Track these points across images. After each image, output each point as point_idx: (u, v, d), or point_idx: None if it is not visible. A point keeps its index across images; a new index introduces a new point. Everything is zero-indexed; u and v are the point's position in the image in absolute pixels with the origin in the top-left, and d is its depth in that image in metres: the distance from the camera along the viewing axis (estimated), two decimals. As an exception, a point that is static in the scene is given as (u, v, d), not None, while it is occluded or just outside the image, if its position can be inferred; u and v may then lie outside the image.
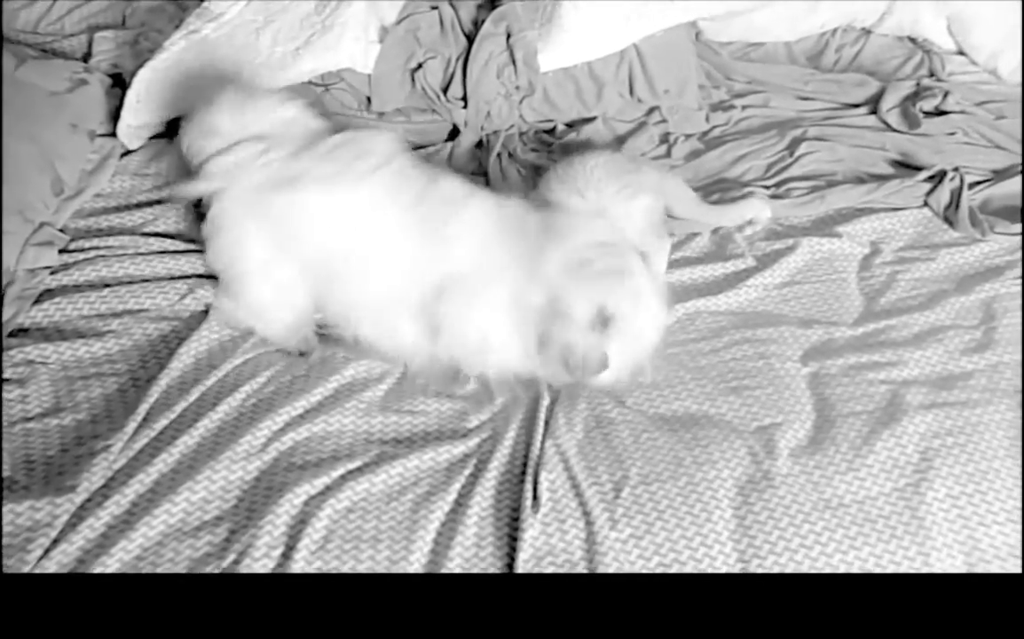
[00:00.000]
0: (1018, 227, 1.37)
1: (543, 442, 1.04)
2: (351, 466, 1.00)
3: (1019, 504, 0.97)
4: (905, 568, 0.94)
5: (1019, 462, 1.01)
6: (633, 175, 1.32)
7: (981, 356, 1.16)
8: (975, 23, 1.87)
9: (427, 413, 1.10)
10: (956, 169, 1.47)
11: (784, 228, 1.42)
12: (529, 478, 0.99)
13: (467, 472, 1.01)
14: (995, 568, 0.94)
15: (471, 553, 0.94)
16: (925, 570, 0.94)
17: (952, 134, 1.58)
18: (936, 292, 1.28)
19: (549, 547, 0.95)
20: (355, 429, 1.06)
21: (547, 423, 1.06)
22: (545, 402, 1.09)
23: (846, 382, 1.13)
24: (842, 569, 0.94)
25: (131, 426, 1.01)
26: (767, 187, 1.49)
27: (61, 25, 1.76)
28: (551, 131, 1.62)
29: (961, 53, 1.90)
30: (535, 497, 0.97)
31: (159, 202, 1.40)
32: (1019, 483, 0.99)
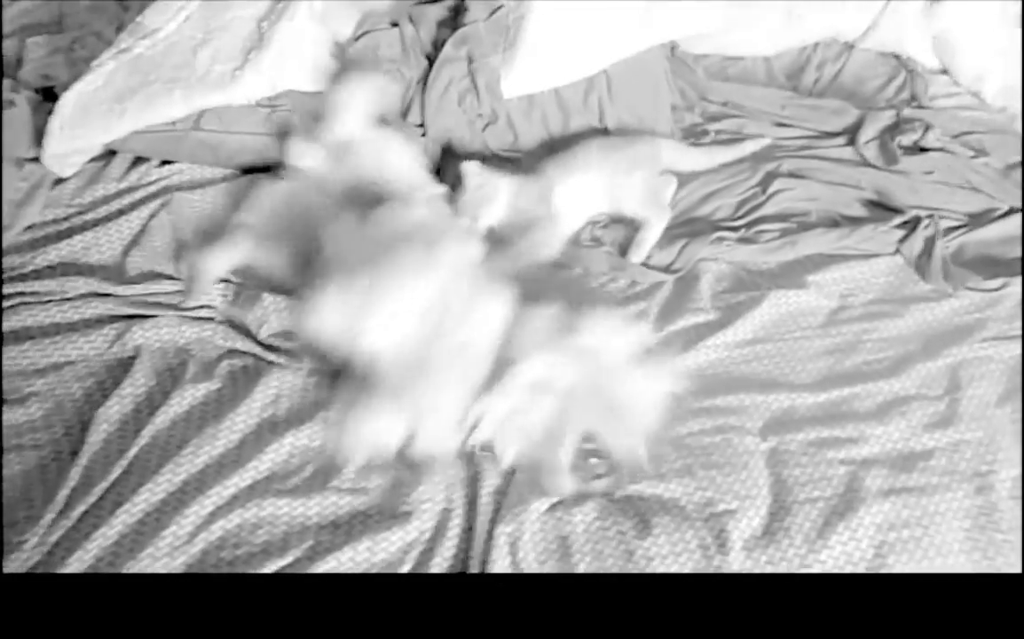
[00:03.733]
0: (990, 284, 1.33)
1: (492, 528, 0.99)
2: (282, 562, 0.95)
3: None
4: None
5: (972, 557, 0.99)
6: (628, 149, 1.43)
7: (943, 433, 1.13)
8: (961, 44, 1.80)
9: (368, 491, 1.05)
10: (931, 215, 1.42)
11: (750, 275, 1.37)
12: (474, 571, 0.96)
13: (408, 567, 0.97)
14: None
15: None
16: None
17: (930, 173, 1.52)
18: (902, 355, 1.24)
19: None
20: (289, 514, 1.01)
21: (498, 508, 1.02)
22: (491, 482, 1.05)
23: (804, 461, 1.09)
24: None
25: (48, 517, 0.96)
26: (735, 229, 1.44)
27: (-5, 22, 1.65)
28: (515, 160, 1.54)
29: (945, 73, 1.84)
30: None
31: (94, 226, 1.33)
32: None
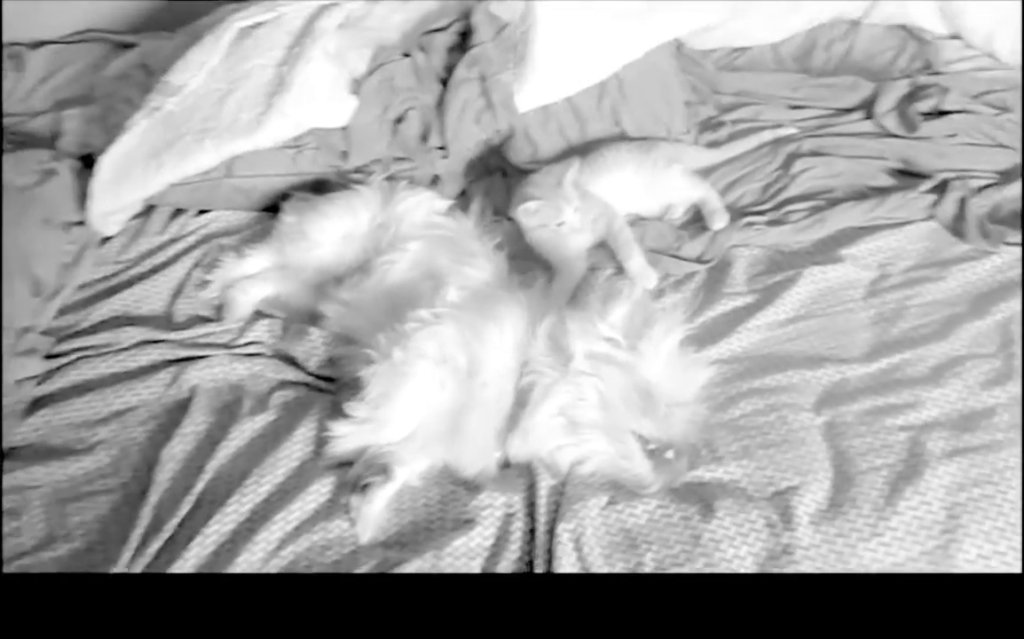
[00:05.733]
0: (1030, 236, 1.32)
1: (554, 527, 1.00)
2: (354, 580, 0.96)
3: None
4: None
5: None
6: (659, 148, 1.49)
7: (1003, 389, 1.11)
8: (968, 6, 1.80)
9: (428, 506, 1.06)
10: (960, 177, 1.41)
11: (784, 256, 1.37)
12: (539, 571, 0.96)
13: (475, 572, 0.97)
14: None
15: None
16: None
17: (953, 136, 1.51)
18: (950, 317, 1.23)
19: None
20: (355, 533, 1.02)
21: (557, 505, 1.02)
22: (547, 482, 1.05)
23: (863, 431, 1.08)
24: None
25: (125, 556, 0.98)
26: (763, 213, 1.44)
27: (29, 102, 1.73)
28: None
29: (956, 37, 1.84)
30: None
31: (141, 279, 1.38)
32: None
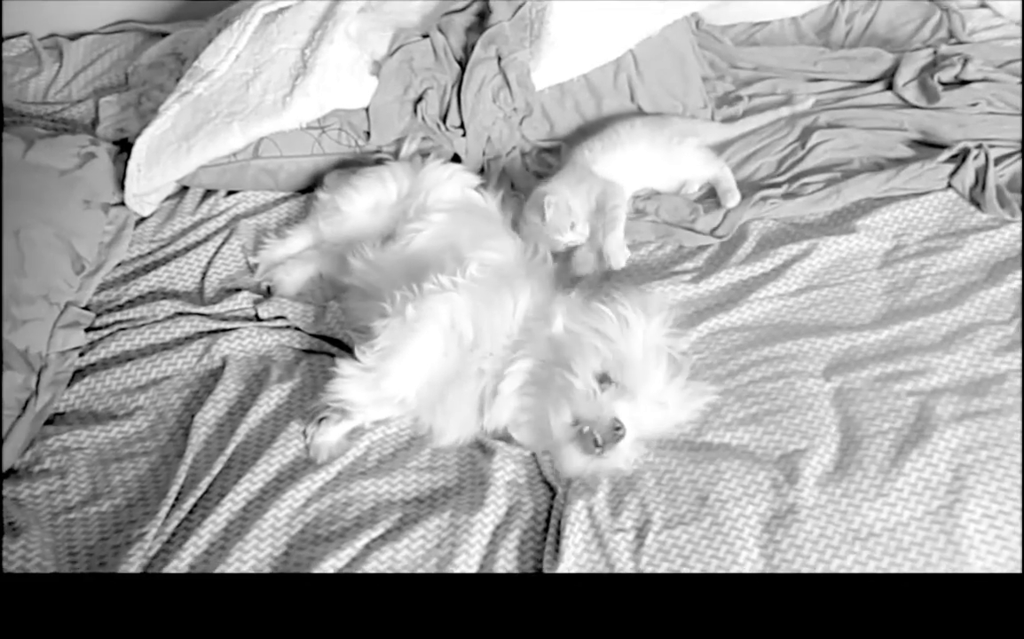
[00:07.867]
0: (1049, 204, 1.30)
1: (567, 492, 1.03)
2: (373, 534, 1.02)
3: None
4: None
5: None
6: (672, 124, 1.51)
7: (1015, 355, 1.11)
8: (995, -26, 1.77)
9: (447, 467, 1.11)
10: (980, 146, 1.40)
11: (798, 228, 1.38)
12: (551, 533, 1.00)
13: (489, 530, 1.02)
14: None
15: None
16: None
17: (974, 105, 1.50)
18: (965, 285, 1.23)
19: (575, 599, 0.94)
20: (376, 492, 1.07)
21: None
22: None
23: (871, 397, 1.09)
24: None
25: (163, 510, 1.05)
26: (779, 186, 1.44)
27: (68, 91, 1.81)
28: (554, 150, 1.59)
29: (984, 6, 1.81)
30: (557, 553, 0.97)
31: (175, 257, 1.45)
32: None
